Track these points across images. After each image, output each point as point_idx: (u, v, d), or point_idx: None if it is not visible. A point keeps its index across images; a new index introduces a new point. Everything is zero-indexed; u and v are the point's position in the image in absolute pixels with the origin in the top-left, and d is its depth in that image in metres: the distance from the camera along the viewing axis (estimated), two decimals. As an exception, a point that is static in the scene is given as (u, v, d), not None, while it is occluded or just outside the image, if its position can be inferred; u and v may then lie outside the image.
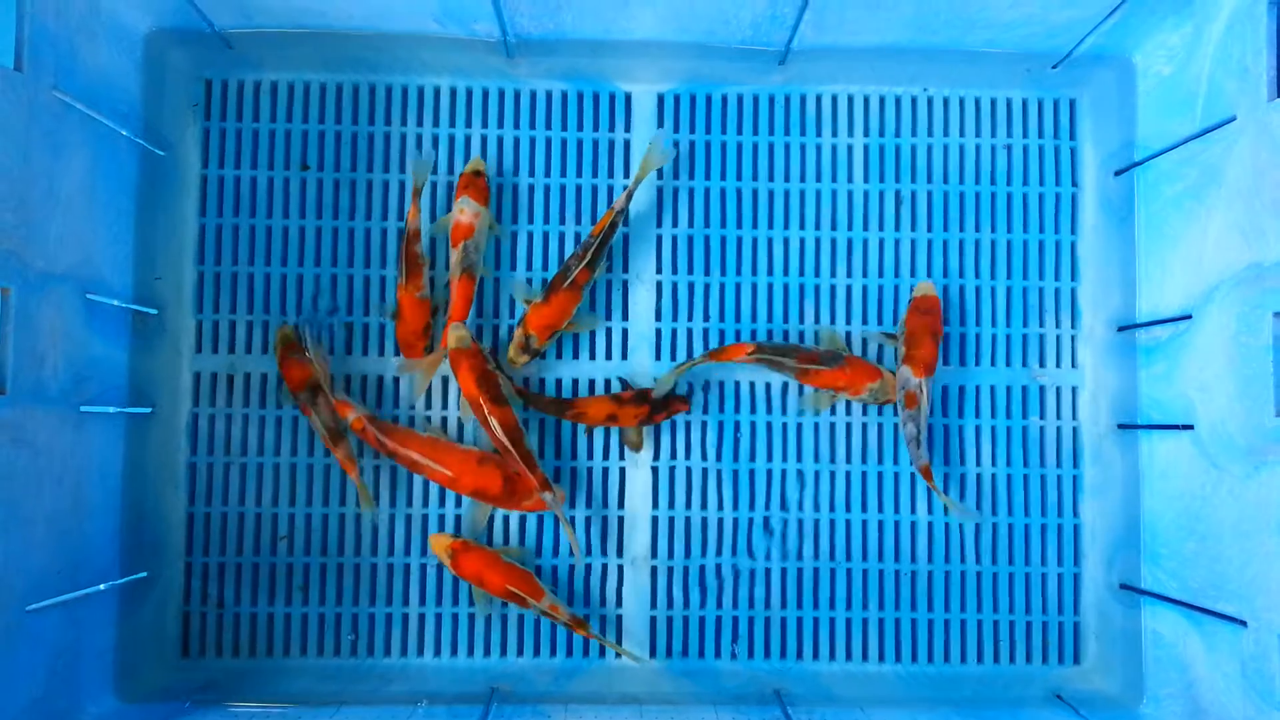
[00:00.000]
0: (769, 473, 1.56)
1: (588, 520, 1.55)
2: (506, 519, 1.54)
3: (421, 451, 1.47)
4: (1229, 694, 1.26)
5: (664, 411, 1.52)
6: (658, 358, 1.57)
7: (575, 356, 1.57)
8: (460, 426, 1.55)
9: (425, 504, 1.54)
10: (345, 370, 1.55)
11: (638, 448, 1.55)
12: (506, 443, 1.43)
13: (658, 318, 1.57)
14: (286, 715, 1.37)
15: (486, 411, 1.43)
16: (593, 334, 1.57)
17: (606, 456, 1.56)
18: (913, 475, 1.56)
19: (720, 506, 1.55)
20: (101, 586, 1.38)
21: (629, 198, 1.51)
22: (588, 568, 1.54)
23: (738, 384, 1.57)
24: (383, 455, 1.50)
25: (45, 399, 1.26)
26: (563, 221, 1.58)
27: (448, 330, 1.48)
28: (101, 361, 1.40)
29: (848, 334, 1.57)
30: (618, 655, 1.51)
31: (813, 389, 1.54)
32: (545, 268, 1.57)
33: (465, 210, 1.51)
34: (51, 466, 1.27)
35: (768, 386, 1.57)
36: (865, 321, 1.58)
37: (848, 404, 1.55)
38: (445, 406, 1.55)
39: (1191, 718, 1.35)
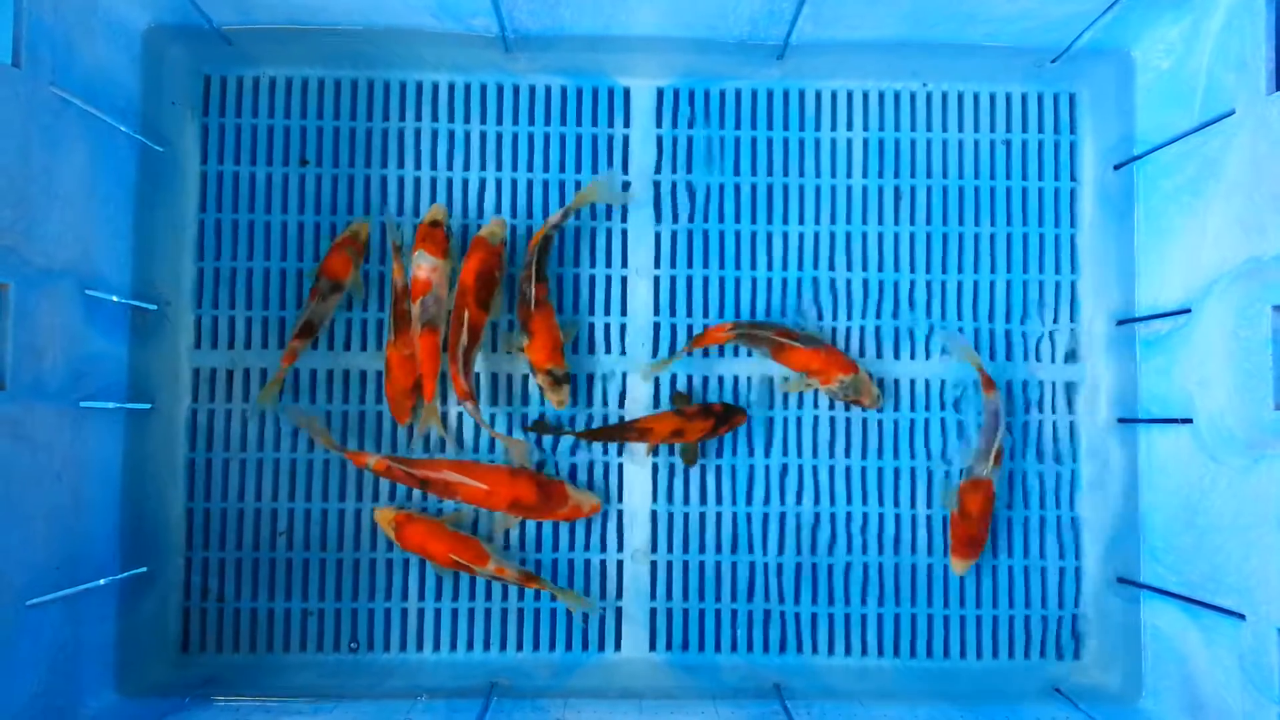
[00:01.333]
0: (767, 468, 1.56)
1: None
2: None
3: (453, 470, 1.47)
4: (1228, 687, 1.27)
5: (726, 424, 1.50)
6: (656, 353, 1.57)
7: (575, 352, 1.57)
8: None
9: (425, 498, 1.54)
10: (344, 366, 1.55)
11: (694, 463, 1.54)
12: (465, 338, 1.43)
13: (656, 312, 1.57)
14: (286, 710, 1.37)
15: (467, 305, 1.44)
16: (591, 329, 1.57)
17: (605, 451, 1.56)
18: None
19: (719, 501, 1.55)
20: (101, 581, 1.38)
21: (565, 216, 1.50)
22: (587, 562, 1.54)
23: (736, 379, 1.57)
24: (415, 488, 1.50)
25: (44, 394, 1.26)
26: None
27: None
28: (101, 357, 1.40)
29: (848, 329, 1.58)
30: (569, 610, 1.52)
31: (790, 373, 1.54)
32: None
33: (422, 266, 1.46)
34: (51, 462, 1.27)
35: (769, 381, 1.57)
36: (865, 316, 1.58)
37: (847, 399, 1.55)
38: (446, 399, 1.55)
39: (1190, 711, 1.35)
